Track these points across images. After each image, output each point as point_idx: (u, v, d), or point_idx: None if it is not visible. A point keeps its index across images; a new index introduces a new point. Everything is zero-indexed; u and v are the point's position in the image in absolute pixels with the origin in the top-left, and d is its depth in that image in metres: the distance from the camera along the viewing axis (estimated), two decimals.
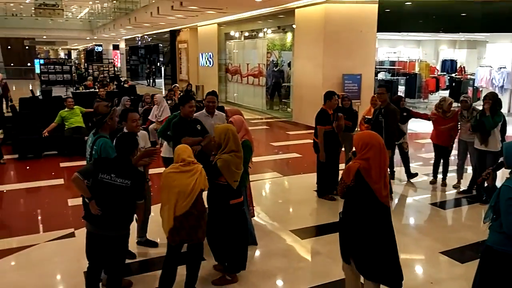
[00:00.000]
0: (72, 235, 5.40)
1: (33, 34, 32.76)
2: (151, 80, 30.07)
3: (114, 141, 3.81)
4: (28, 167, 8.62)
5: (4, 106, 13.97)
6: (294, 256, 4.99)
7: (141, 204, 3.63)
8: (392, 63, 20.16)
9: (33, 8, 32.64)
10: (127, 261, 4.26)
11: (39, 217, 6.15)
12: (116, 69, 28.76)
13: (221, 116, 5.76)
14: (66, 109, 9.42)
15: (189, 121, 5.23)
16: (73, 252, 4.95)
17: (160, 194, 3.79)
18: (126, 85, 20.11)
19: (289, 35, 16.47)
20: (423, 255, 5.09)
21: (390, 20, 13.76)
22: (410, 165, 7.68)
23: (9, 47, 36.08)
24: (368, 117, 7.09)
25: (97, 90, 17.14)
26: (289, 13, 14.31)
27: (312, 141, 6.86)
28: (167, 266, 3.92)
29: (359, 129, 7.45)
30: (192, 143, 5.08)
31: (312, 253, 5.10)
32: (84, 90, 17.62)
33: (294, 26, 14.17)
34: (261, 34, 17.69)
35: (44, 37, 33.70)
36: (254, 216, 5.63)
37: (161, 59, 33.77)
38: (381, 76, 17.22)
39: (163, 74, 27.65)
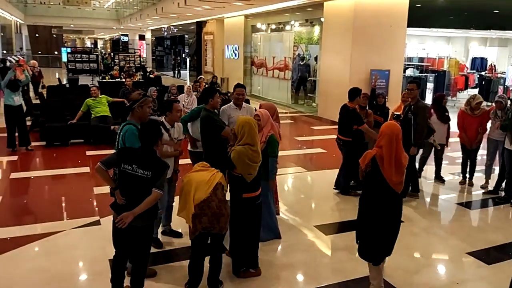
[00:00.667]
0: (97, 223, 5.44)
1: (61, 23, 33.17)
2: (176, 71, 30.22)
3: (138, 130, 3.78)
4: (55, 155, 8.73)
5: (32, 94, 14.18)
6: (317, 252, 4.92)
7: (156, 194, 3.46)
8: (421, 59, 19.76)
9: None
10: (152, 250, 4.24)
11: (65, 204, 6.20)
12: (141, 59, 28.95)
13: (249, 109, 5.70)
14: (92, 98, 9.51)
15: (215, 112, 5.20)
16: (98, 239, 4.99)
17: (180, 197, 3.81)
18: (151, 76, 20.25)
19: (316, 29, 16.27)
20: (450, 255, 4.98)
21: (421, 16, 13.47)
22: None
23: (37, 35, 36.72)
24: (397, 113, 6.92)
25: (123, 80, 17.36)
26: (317, 6, 14.11)
27: (335, 136, 6.78)
28: (193, 257, 3.91)
29: None
30: (229, 134, 4.94)
31: (336, 249, 5.01)
32: (110, 80, 17.79)
33: (322, 19, 13.97)
34: (288, 27, 17.53)
35: (72, 26, 34.08)
36: (279, 214, 5.59)
37: (186, 50, 33.92)
38: (409, 72, 16.88)
39: (188, 66, 27.75)
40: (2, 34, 24.02)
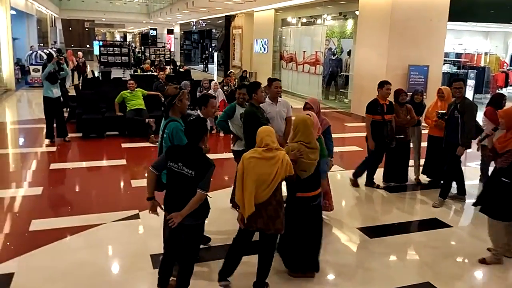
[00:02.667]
0: (137, 216, 5.40)
1: (93, 17, 33.72)
2: (204, 65, 30.26)
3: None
4: (91, 146, 8.80)
5: (68, 84, 14.36)
6: (363, 256, 4.73)
7: (200, 194, 3.34)
8: (458, 55, 19.15)
9: None
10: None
11: (105, 197, 6.19)
12: (171, 53, 29.09)
13: (285, 103, 5.56)
14: (128, 91, 9.52)
15: (258, 108, 5.08)
16: (138, 233, 4.96)
17: (237, 177, 3.65)
18: (181, 70, 20.28)
19: (349, 22, 15.95)
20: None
21: (460, 9, 12.99)
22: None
23: (70, 28, 37.40)
24: (442, 111, 6.64)
25: (155, 73, 17.44)
26: None
27: None
28: (233, 251, 3.82)
29: (424, 124, 7.03)
30: None
31: (382, 254, 4.79)
32: (141, 73, 17.90)
33: (356, 12, 13.65)
34: (319, 21, 17.25)
35: (103, 19, 34.60)
36: (332, 210, 5.47)
37: (213, 44, 33.92)
38: (445, 68, 16.36)
39: (215, 60, 27.74)
40: (38, 27, 24.47)
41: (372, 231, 5.27)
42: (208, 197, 3.49)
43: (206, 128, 3.54)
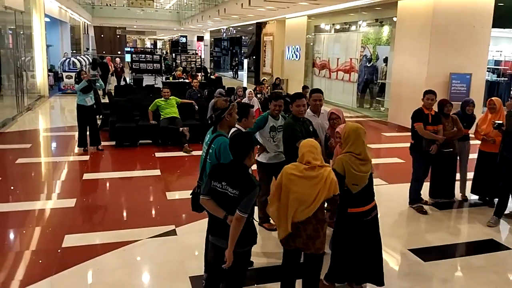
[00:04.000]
0: (173, 232, 5.14)
1: (125, 24, 34.17)
2: (234, 72, 30.17)
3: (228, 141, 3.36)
4: (124, 155, 8.64)
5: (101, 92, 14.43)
6: (420, 282, 4.29)
7: (240, 217, 2.98)
8: (497, 62, 18.37)
9: None
10: None
11: (139, 210, 5.94)
12: (201, 60, 29.14)
13: (327, 114, 5.22)
14: (162, 99, 9.35)
15: (301, 121, 4.77)
16: (176, 252, 4.69)
17: (275, 190, 3.36)
18: (213, 77, 20.19)
19: (385, 29, 15.49)
20: None
21: (500, 15, 12.38)
22: None
23: (102, 35, 38.04)
24: (499, 122, 6.15)
25: (187, 80, 17.36)
26: (388, 6, 13.35)
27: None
28: (285, 275, 3.54)
29: (473, 137, 6.55)
30: None
31: (440, 280, 4.36)
32: (173, 80, 17.86)
33: (394, 19, 13.19)
34: (353, 27, 16.83)
35: (135, 26, 35.03)
36: None
37: (243, 51, 33.81)
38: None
39: (245, 67, 27.59)
40: (71, 34, 24.90)
41: (426, 253, 4.84)
42: (255, 221, 3.18)
43: (253, 143, 3.23)
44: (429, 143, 5.91)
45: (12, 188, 6.71)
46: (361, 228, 3.69)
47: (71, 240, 4.85)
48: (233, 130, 3.95)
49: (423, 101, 6.05)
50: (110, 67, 18.65)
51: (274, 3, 15.08)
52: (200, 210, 3.61)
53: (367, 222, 3.70)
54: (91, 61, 19.22)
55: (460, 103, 6.72)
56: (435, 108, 6.14)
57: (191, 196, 3.73)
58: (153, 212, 5.88)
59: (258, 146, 5.07)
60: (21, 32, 14.05)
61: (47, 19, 17.79)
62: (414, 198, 6.22)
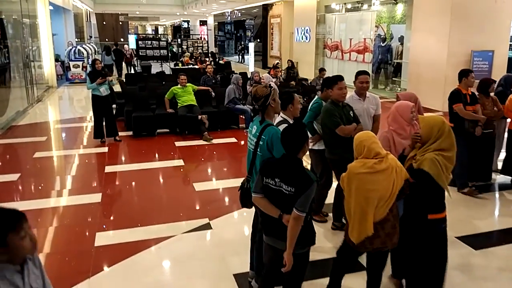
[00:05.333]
0: (208, 226, 4.91)
1: (127, 10, 33.55)
2: (240, 56, 29.71)
3: (280, 135, 3.07)
4: (144, 146, 8.38)
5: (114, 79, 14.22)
6: (474, 273, 4.07)
7: (298, 216, 2.73)
8: None
9: None
10: None
11: (169, 203, 5.71)
12: (208, 45, 28.69)
13: (374, 99, 4.92)
14: (178, 86, 9.06)
15: (341, 106, 4.49)
16: (214, 247, 4.48)
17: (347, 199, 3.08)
18: (221, 62, 19.82)
19: (399, 7, 15.04)
20: None
21: None
22: None
23: (104, 22, 37.47)
24: None
25: (196, 66, 17.02)
26: None
27: None
28: (337, 268, 3.35)
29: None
30: (349, 133, 4.35)
31: (495, 269, 4.14)
32: (182, 67, 17.50)
33: None
34: (365, 6, 16.37)
35: (137, 12, 34.40)
36: None
37: (248, 35, 33.25)
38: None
39: (251, 50, 27.13)
40: (75, 22, 24.46)
41: (476, 241, 4.60)
42: (314, 221, 2.94)
43: (307, 135, 2.96)
44: (471, 124, 5.64)
45: (33, 184, 6.48)
46: (437, 238, 3.28)
47: (103, 239, 4.64)
48: (278, 120, 3.66)
49: (465, 81, 5.71)
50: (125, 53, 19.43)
51: None
52: (250, 206, 3.39)
53: (444, 230, 3.32)
54: (103, 48, 19.96)
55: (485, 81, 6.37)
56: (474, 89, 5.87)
57: (239, 191, 3.48)
58: (184, 205, 5.63)
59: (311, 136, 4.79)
60: (27, 21, 13.70)
61: (51, 7, 17.38)
62: (463, 182, 5.88)
